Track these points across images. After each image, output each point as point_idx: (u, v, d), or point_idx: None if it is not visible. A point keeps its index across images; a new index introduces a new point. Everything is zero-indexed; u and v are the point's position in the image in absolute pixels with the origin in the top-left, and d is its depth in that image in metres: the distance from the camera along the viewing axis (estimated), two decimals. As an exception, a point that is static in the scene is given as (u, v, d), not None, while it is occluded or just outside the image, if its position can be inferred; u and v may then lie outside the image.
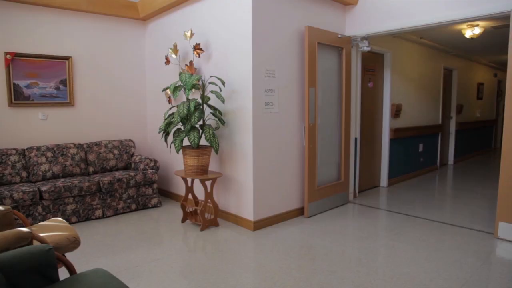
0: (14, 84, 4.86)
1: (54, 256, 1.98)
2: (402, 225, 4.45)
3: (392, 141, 6.55)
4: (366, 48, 5.07)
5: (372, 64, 6.08)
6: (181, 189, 5.45)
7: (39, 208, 4.32)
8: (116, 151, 5.44)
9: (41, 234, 2.49)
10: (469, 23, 5.74)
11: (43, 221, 4.27)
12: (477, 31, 6.07)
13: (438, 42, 7.36)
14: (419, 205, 5.33)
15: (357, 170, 5.73)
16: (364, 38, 5.03)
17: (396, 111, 6.57)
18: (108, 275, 1.99)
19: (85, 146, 5.25)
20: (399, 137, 6.70)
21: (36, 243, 2.41)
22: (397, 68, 6.58)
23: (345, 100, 5.15)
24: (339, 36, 4.99)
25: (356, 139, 5.60)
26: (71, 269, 2.06)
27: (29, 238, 2.27)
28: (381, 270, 3.24)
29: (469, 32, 6.14)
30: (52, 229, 2.74)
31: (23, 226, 2.89)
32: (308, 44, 4.47)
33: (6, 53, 4.74)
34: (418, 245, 3.79)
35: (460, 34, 6.38)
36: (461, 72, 9.15)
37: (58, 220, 2.95)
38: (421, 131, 7.41)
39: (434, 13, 4.26)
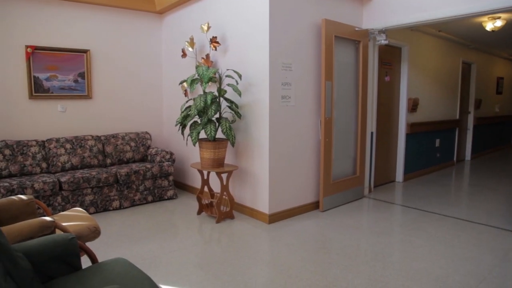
0: (34, 76, 4.95)
1: (77, 245, 2.03)
2: (417, 220, 4.41)
3: (408, 136, 6.48)
4: (384, 42, 5.01)
5: (389, 57, 6.01)
6: (196, 182, 5.50)
7: (59, 199, 4.41)
8: (132, 143, 5.51)
9: (63, 224, 2.55)
10: (490, 15, 5.62)
11: (62, 211, 4.37)
12: (499, 23, 5.94)
13: (457, 35, 7.23)
14: (435, 200, 5.28)
15: (373, 165, 5.69)
16: (381, 31, 4.97)
17: (413, 106, 6.49)
18: (129, 264, 2.03)
19: (102, 138, 5.33)
20: (416, 132, 6.63)
21: (58, 232, 2.47)
22: (414, 62, 6.49)
23: (361, 94, 5.11)
24: (356, 29, 4.94)
25: (372, 133, 5.56)
26: (93, 258, 2.11)
27: (52, 227, 2.34)
28: (397, 265, 3.22)
29: (490, 24, 6.01)
30: (73, 219, 2.80)
31: (44, 216, 2.97)
32: (325, 37, 4.44)
33: (27, 47, 4.83)
34: (434, 241, 3.76)
35: (481, 27, 6.25)
36: (480, 66, 8.98)
37: (78, 210, 3.01)
38: (438, 126, 7.32)
39: (455, 5, 4.18)
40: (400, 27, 4.84)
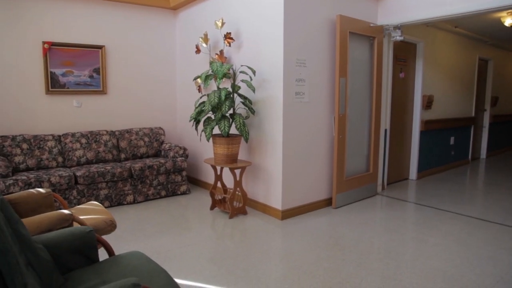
0: (51, 72, 5.02)
1: (95, 237, 2.06)
2: (431, 218, 4.38)
3: (422, 133, 6.42)
4: (399, 38, 4.96)
5: (404, 54, 5.95)
6: (209, 177, 5.53)
7: (74, 192, 4.47)
8: (146, 139, 5.56)
9: (80, 217, 2.59)
10: (510, 10, 5.51)
11: (78, 204, 4.44)
12: (518, 19, 5.83)
13: (474, 31, 7.11)
14: (449, 199, 5.23)
15: (386, 162, 5.66)
16: (397, 27, 4.92)
17: (428, 103, 6.42)
18: (145, 258, 2.05)
19: (117, 133, 5.39)
20: (430, 129, 6.55)
21: (75, 225, 2.52)
22: (429, 58, 6.41)
23: (375, 90, 5.07)
24: (371, 25, 4.90)
25: (386, 130, 5.52)
26: (109, 251, 2.14)
27: (70, 220, 2.38)
28: (410, 263, 3.21)
29: (509, 20, 5.90)
30: (89, 212, 2.84)
31: (61, 209, 3.02)
32: (340, 33, 4.42)
33: (44, 43, 4.90)
34: (448, 240, 3.73)
35: (499, 23, 6.14)
36: (498, 63, 8.82)
37: (94, 204, 3.05)
38: (453, 123, 7.22)
39: (473, 0, 4.11)
40: (416, 23, 4.78)
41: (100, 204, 3.06)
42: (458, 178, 6.67)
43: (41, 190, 2.88)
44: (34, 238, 1.86)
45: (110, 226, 2.68)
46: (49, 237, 1.96)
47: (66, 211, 2.39)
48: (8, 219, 1.56)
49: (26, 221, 2.19)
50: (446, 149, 7.22)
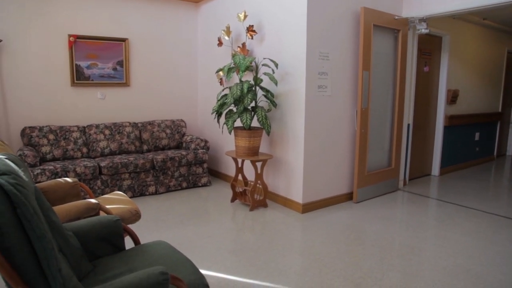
0: (76, 64, 5.12)
1: (121, 226, 2.11)
2: (454, 215, 4.30)
3: (446, 129, 6.29)
4: (424, 31, 4.86)
5: (429, 47, 5.82)
6: (229, 170, 5.56)
7: (98, 182, 4.57)
8: (168, 131, 5.62)
9: (107, 206, 2.65)
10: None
11: (102, 194, 4.54)
12: (549, 11, 5.63)
13: (504, 23, 6.89)
14: (473, 196, 5.12)
15: (408, 157, 5.58)
16: (422, 19, 4.81)
17: (452, 97, 6.28)
18: (170, 247, 2.09)
19: (139, 125, 5.47)
20: (454, 124, 6.42)
21: (102, 214, 2.58)
22: (455, 52, 6.26)
23: (399, 84, 4.99)
24: (396, 17, 4.81)
25: (408, 125, 5.44)
26: (135, 240, 2.19)
27: (96, 209, 2.44)
28: (433, 260, 3.17)
29: (539, 13, 5.71)
30: (114, 202, 2.90)
31: (87, 198, 3.09)
32: (364, 26, 4.35)
33: (69, 36, 4.99)
34: (472, 237, 3.66)
35: (529, 15, 5.95)
36: (527, 57, 8.55)
37: (119, 194, 3.12)
38: (478, 119, 7.05)
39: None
40: (443, 15, 4.67)
41: (124, 194, 3.12)
42: (482, 175, 6.53)
43: (68, 179, 2.96)
44: (64, 226, 1.92)
45: (135, 216, 2.73)
46: (78, 225, 2.01)
47: (93, 200, 2.44)
48: (40, 206, 1.61)
49: (55, 209, 2.25)
50: (471, 145, 7.07)
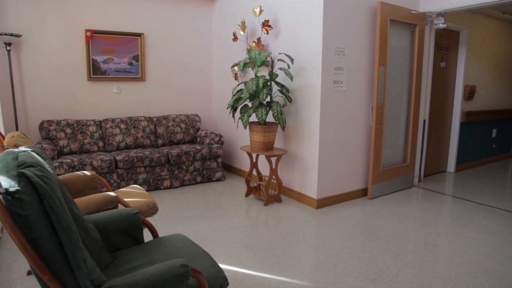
0: (92, 59, 5.17)
1: (140, 219, 2.14)
2: (470, 212, 4.26)
3: (462, 125, 6.21)
4: (442, 25, 4.79)
5: (446, 42, 5.74)
6: (243, 164, 5.58)
7: (114, 176, 4.63)
8: (183, 125, 5.66)
9: (125, 199, 2.68)
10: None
11: (118, 188, 4.60)
12: None
13: (522, 18, 6.77)
14: (489, 193, 5.06)
15: (424, 154, 5.52)
16: (440, 14, 4.75)
17: (469, 93, 6.19)
18: (188, 240, 2.11)
19: (154, 119, 5.51)
20: (471, 120, 6.33)
21: (120, 206, 2.62)
22: (473, 47, 6.16)
23: (415, 80, 4.94)
24: (413, 12, 4.75)
25: (424, 121, 5.38)
26: (154, 233, 2.22)
27: (115, 202, 2.48)
28: (449, 257, 3.14)
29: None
30: (132, 195, 2.94)
31: (105, 191, 3.13)
32: (380, 21, 4.31)
33: (86, 30, 5.04)
34: (489, 235, 3.62)
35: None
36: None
37: (136, 187, 3.16)
38: (496, 115, 6.94)
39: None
40: (461, 9, 4.59)
41: (141, 187, 3.16)
42: (499, 172, 6.43)
43: (86, 172, 3.01)
44: (85, 218, 1.95)
45: (152, 209, 2.77)
46: (98, 217, 2.05)
47: (112, 193, 2.48)
48: (63, 198, 1.64)
49: (75, 201, 2.29)
50: (487, 141, 6.96)
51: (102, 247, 1.92)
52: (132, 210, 2.16)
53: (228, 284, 1.82)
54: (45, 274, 1.26)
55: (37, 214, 1.28)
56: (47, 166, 1.47)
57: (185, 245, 2.05)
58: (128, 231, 2.11)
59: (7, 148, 2.32)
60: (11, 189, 1.25)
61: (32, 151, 1.51)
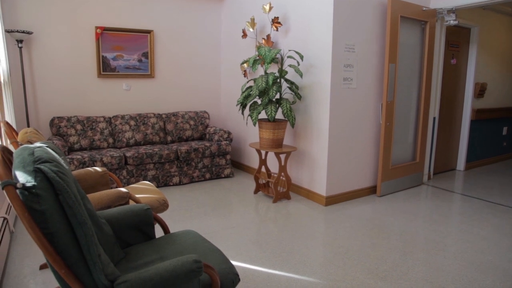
0: (102, 56, 5.20)
1: (152, 215, 2.16)
2: (481, 211, 4.23)
3: (472, 123, 6.15)
4: (453, 22, 4.74)
5: (457, 39, 5.68)
6: (252, 161, 5.59)
7: (124, 172, 4.66)
8: (192, 122, 5.68)
9: (136, 196, 2.70)
10: None
11: (127, 184, 4.63)
12: None
13: (535, 15, 6.67)
14: (500, 191, 5.01)
15: (433, 151, 5.49)
16: (451, 11, 4.70)
17: (480, 91, 6.13)
18: (199, 236, 2.13)
19: (163, 116, 5.54)
20: (481, 118, 6.27)
21: (131, 202, 2.64)
22: (484, 44, 6.09)
23: (425, 77, 4.90)
24: (424, 9, 4.71)
25: (434, 118, 5.34)
26: (165, 228, 2.23)
27: (127, 198, 2.49)
28: (459, 255, 3.13)
29: None
30: (143, 191, 2.96)
31: (116, 187, 3.15)
32: (390, 18, 4.28)
33: (96, 27, 5.07)
34: (500, 233, 3.59)
35: None
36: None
37: (147, 184, 3.18)
38: (506, 113, 6.86)
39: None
40: (472, 6, 4.55)
41: (152, 184, 3.18)
42: (510, 170, 6.37)
43: (97, 168, 3.03)
44: (98, 213, 1.97)
45: (163, 206, 2.78)
46: (110, 213, 2.07)
47: (123, 189, 2.50)
48: (77, 194, 1.66)
49: (88, 197, 2.31)
50: (498, 139, 6.90)
51: (115, 242, 1.93)
52: (144, 206, 2.18)
53: (239, 280, 1.83)
54: (61, 269, 1.28)
55: (53, 209, 1.29)
56: (62, 161, 1.49)
57: (196, 241, 2.06)
58: (140, 226, 2.13)
59: (21, 144, 2.35)
60: (28, 184, 1.26)
61: (47, 146, 1.52)
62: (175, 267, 1.47)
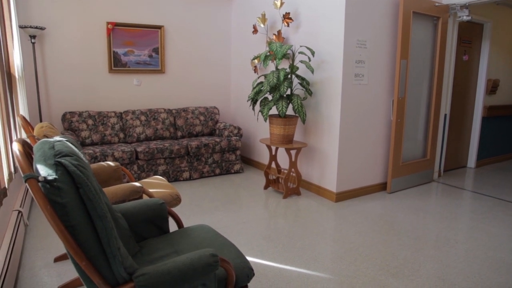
0: (113, 51, 5.23)
1: (166, 209, 2.18)
2: (492, 208, 4.20)
3: (484, 120, 6.10)
4: (466, 18, 4.70)
5: (469, 35, 5.62)
6: (261, 157, 5.60)
7: (135, 167, 4.70)
8: (202, 118, 5.70)
9: (150, 190, 2.73)
10: None
11: (138, 179, 4.66)
12: None
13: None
14: (511, 189, 4.98)
15: (444, 148, 5.45)
16: (464, 6, 4.65)
17: (492, 87, 6.07)
18: (213, 231, 2.14)
19: (174, 111, 5.56)
20: (493, 115, 6.21)
21: (144, 197, 2.66)
22: (497, 40, 6.02)
23: (437, 74, 4.86)
24: (436, 4, 4.66)
25: (445, 115, 5.30)
26: (179, 223, 2.25)
27: (140, 192, 2.52)
28: (471, 252, 3.11)
29: None
30: (155, 186, 2.98)
31: (128, 182, 3.17)
32: (403, 13, 4.25)
33: (108, 23, 5.10)
34: (513, 231, 3.58)
35: None
36: None
37: (159, 178, 3.20)
38: (519, 110, 6.79)
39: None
40: (486, 1, 4.49)
41: (164, 178, 3.20)
42: (521, 168, 6.32)
43: (110, 163, 3.06)
44: (113, 207, 1.99)
45: (176, 200, 2.80)
46: (125, 207, 2.09)
47: (137, 184, 2.52)
48: (95, 188, 1.68)
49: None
50: (510, 137, 6.83)
51: (130, 235, 1.95)
52: (158, 200, 2.20)
53: (254, 274, 1.84)
54: (82, 261, 1.30)
55: (74, 202, 1.31)
56: (81, 155, 1.51)
57: (210, 236, 2.08)
58: (154, 221, 2.15)
59: (37, 138, 2.38)
60: (49, 178, 1.28)
61: (66, 140, 1.54)
62: (192, 261, 1.49)
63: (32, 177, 1.26)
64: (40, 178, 1.28)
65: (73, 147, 1.51)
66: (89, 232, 1.34)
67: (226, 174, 5.41)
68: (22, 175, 1.28)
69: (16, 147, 1.42)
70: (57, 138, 1.54)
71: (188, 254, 1.53)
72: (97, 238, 1.36)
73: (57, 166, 1.32)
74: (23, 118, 2.77)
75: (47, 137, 2.43)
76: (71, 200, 1.31)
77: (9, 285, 2.27)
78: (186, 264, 1.47)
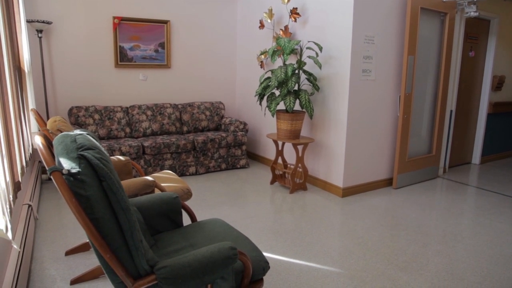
0: (120, 46, 5.23)
1: (180, 203, 2.19)
2: (498, 204, 4.21)
3: (489, 116, 6.10)
4: (473, 14, 4.69)
5: (476, 31, 5.62)
6: (267, 152, 5.61)
7: (142, 162, 4.71)
8: (207, 113, 5.70)
9: (161, 184, 2.74)
10: None
11: (145, 174, 4.68)
12: None
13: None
14: (518, 185, 4.99)
15: (449, 145, 5.46)
16: (472, 2, 4.65)
17: (498, 84, 6.07)
18: (226, 225, 2.16)
19: (180, 106, 5.57)
20: (498, 112, 6.21)
21: (156, 191, 2.68)
22: (504, 36, 6.01)
23: (443, 70, 4.86)
24: (444, 0, 4.65)
25: (451, 111, 5.31)
26: (192, 217, 2.27)
27: (153, 187, 2.53)
28: (478, 248, 3.13)
29: None
30: (166, 180, 3.00)
31: (138, 176, 3.18)
32: (411, 9, 4.24)
33: (114, 18, 5.09)
34: (520, 226, 3.59)
35: None
36: None
37: (169, 173, 3.21)
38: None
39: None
40: (494, -3, 4.49)
41: (174, 173, 3.22)
42: (526, 164, 6.33)
43: (120, 157, 3.08)
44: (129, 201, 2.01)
45: (187, 194, 2.82)
46: (140, 200, 2.11)
47: (149, 178, 2.54)
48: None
49: (116, 185, 2.35)
50: (514, 133, 6.84)
51: (145, 229, 1.97)
52: (172, 194, 2.22)
53: (269, 267, 1.86)
54: (106, 253, 1.31)
55: (97, 195, 1.33)
56: (102, 149, 1.52)
57: (224, 229, 2.09)
58: (169, 214, 2.16)
59: (51, 132, 2.39)
60: (73, 171, 1.30)
61: (87, 134, 1.56)
62: (212, 253, 1.50)
63: (57, 169, 1.28)
64: (64, 171, 1.29)
65: (94, 140, 1.53)
66: (113, 225, 1.35)
67: (232, 169, 5.42)
68: (47, 168, 1.29)
69: (38, 140, 1.43)
70: (78, 131, 1.56)
71: (207, 247, 1.55)
72: (120, 230, 1.38)
73: (80, 159, 1.33)
74: (36, 112, 2.78)
75: (61, 131, 2.45)
76: (94, 193, 1.32)
77: (23, 278, 2.30)
78: (206, 257, 1.49)
